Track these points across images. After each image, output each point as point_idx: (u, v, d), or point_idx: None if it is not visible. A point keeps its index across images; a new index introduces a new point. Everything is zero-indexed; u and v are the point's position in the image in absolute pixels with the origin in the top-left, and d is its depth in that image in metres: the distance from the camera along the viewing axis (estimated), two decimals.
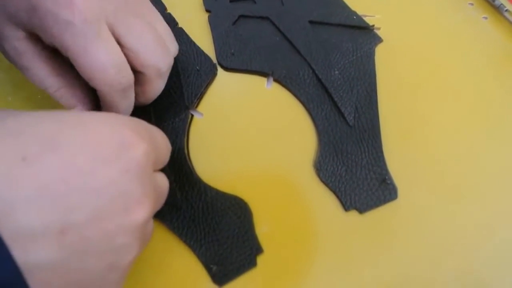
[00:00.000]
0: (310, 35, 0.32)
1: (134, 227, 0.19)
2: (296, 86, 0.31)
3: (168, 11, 0.34)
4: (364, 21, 0.33)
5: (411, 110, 0.30)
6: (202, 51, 0.33)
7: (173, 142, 0.30)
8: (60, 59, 0.27)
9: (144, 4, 0.28)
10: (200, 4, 0.35)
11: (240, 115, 0.31)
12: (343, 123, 0.29)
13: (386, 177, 0.28)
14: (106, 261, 0.19)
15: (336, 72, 0.31)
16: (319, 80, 0.31)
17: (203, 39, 0.33)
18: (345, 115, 0.29)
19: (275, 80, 0.32)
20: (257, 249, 0.27)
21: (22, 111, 0.20)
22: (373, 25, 0.33)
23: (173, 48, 0.29)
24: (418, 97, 0.31)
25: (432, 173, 0.28)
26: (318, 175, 0.28)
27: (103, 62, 0.24)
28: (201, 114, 0.31)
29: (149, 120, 0.30)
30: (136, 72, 0.27)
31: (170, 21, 0.34)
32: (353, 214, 0.27)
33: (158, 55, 0.27)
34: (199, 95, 0.31)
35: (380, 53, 0.32)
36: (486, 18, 0.34)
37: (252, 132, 0.30)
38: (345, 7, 0.34)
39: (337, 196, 0.28)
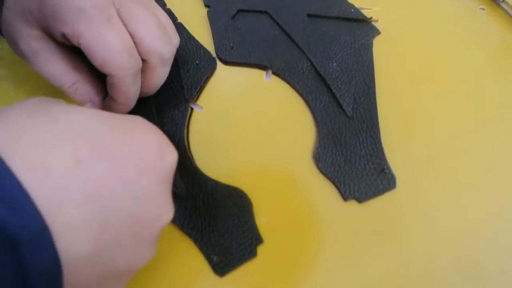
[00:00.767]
0: (308, 28, 0.33)
1: (159, 231, 0.21)
2: (295, 78, 0.31)
3: (167, 7, 0.35)
4: (362, 14, 0.33)
5: (409, 100, 0.30)
6: (202, 46, 0.33)
7: (173, 134, 0.30)
8: (73, 56, 0.28)
9: None
10: None
11: (239, 107, 0.31)
12: (342, 114, 0.30)
13: (385, 167, 0.28)
14: (129, 263, 0.20)
15: (334, 64, 0.31)
16: (317, 72, 0.31)
17: (202, 33, 0.34)
18: (344, 106, 0.30)
19: (274, 73, 0.32)
20: (257, 239, 0.27)
21: (71, 106, 0.21)
22: (371, 18, 0.33)
23: (175, 38, 0.29)
24: (416, 88, 0.31)
25: (430, 163, 0.28)
26: (317, 165, 0.28)
27: (117, 46, 0.25)
28: (201, 107, 0.31)
29: (149, 112, 0.31)
30: None
31: (170, 16, 0.34)
32: (352, 204, 0.28)
33: (162, 42, 0.27)
34: (198, 88, 0.32)
35: (378, 45, 0.32)
36: (483, 9, 0.34)
37: (252, 124, 0.30)
38: (343, 0, 0.34)
39: (336, 186, 0.28)
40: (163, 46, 0.27)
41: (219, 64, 0.33)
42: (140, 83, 0.28)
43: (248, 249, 0.27)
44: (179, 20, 0.34)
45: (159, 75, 0.29)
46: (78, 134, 0.19)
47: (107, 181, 0.19)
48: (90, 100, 0.29)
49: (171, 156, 0.22)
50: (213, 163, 0.30)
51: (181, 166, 0.29)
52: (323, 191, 0.28)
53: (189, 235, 0.27)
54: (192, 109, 0.31)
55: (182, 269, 0.27)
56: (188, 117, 0.31)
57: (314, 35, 0.32)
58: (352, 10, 0.33)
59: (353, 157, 0.28)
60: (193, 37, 0.33)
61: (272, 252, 0.27)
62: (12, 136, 0.18)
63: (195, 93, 0.32)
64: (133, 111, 0.29)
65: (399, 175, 0.28)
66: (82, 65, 0.28)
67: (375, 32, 0.32)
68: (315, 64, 0.31)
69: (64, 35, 0.25)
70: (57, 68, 0.27)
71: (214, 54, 0.33)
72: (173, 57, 0.29)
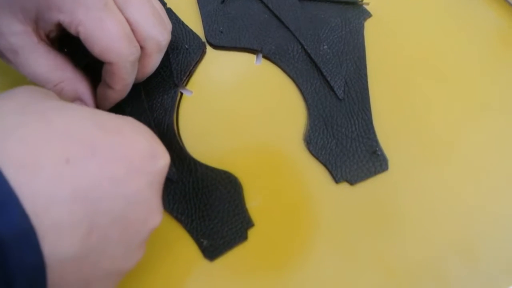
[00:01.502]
0: (298, 11, 0.32)
1: (148, 234, 0.21)
2: (285, 61, 0.31)
3: None
4: None
5: (401, 83, 0.30)
6: (191, 30, 0.32)
7: (162, 119, 0.30)
8: (56, 54, 0.27)
9: None
10: None
11: (229, 91, 0.31)
12: (333, 96, 0.29)
13: (377, 149, 0.28)
14: (115, 265, 0.20)
15: (325, 46, 0.31)
16: (308, 55, 0.31)
17: (192, 18, 0.33)
18: (335, 88, 0.29)
19: (264, 57, 0.31)
20: (248, 223, 0.27)
21: (63, 103, 0.21)
22: (362, 0, 0.33)
23: (169, 24, 0.29)
24: (408, 70, 0.30)
25: (422, 144, 0.28)
26: (308, 148, 0.28)
27: (118, 33, 0.24)
28: (191, 91, 0.31)
29: (139, 97, 0.30)
30: None
31: (159, 1, 0.34)
32: (344, 186, 0.27)
33: (158, 29, 0.27)
34: (188, 73, 0.31)
35: (369, 27, 0.32)
36: None
37: (242, 108, 0.30)
38: None
39: (328, 169, 0.28)
40: (160, 33, 0.27)
41: (209, 49, 0.32)
42: (136, 70, 0.28)
43: (239, 233, 0.26)
44: (168, 5, 0.34)
45: (154, 62, 0.29)
46: (69, 133, 0.19)
47: (97, 182, 0.19)
48: (78, 98, 0.28)
49: (163, 159, 0.22)
50: (203, 147, 0.29)
51: (171, 151, 0.29)
52: (314, 174, 0.28)
53: (178, 219, 0.27)
54: (181, 93, 0.31)
55: (172, 253, 0.27)
56: (177, 102, 0.31)
57: (304, 18, 0.32)
58: None
59: (345, 140, 0.28)
60: (182, 21, 0.33)
61: (263, 236, 0.26)
62: (1, 133, 0.18)
63: (185, 78, 0.31)
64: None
65: (391, 157, 0.28)
66: (66, 63, 0.27)
67: (366, 14, 0.32)
68: (306, 47, 0.31)
69: (58, 24, 0.25)
70: (40, 66, 0.26)
71: (203, 39, 0.32)
72: (168, 42, 0.28)
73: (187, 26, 0.33)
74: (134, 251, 0.21)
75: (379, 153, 0.27)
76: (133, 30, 0.26)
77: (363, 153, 0.28)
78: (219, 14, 0.33)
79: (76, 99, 0.28)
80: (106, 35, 0.24)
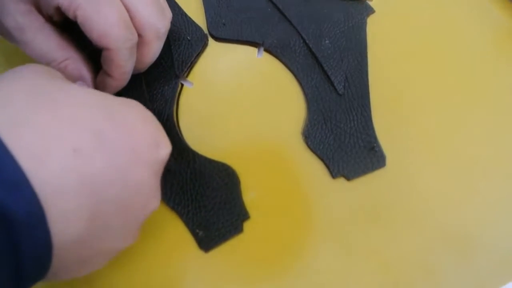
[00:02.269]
0: (301, 5, 0.32)
1: (144, 219, 0.22)
2: (287, 55, 0.31)
3: None
4: None
5: (401, 80, 0.30)
6: (193, 22, 0.32)
7: (162, 110, 0.30)
8: (61, 33, 0.27)
9: None
10: None
11: (230, 84, 0.31)
12: (333, 92, 0.29)
13: (375, 145, 0.28)
14: (112, 245, 0.21)
15: (327, 41, 0.31)
16: (309, 49, 0.31)
17: (194, 9, 0.33)
18: (335, 84, 0.29)
19: (266, 50, 0.31)
20: (244, 215, 0.27)
21: (71, 86, 0.22)
22: None
23: (169, 13, 0.29)
24: (409, 67, 0.30)
25: (420, 141, 0.28)
26: (306, 142, 0.28)
27: (115, 18, 0.25)
28: (191, 83, 0.31)
29: (140, 88, 0.30)
30: None
31: None
32: (341, 181, 0.27)
33: (157, 16, 0.27)
34: (189, 64, 0.31)
35: (372, 23, 0.32)
36: None
37: (242, 100, 0.30)
38: None
39: (325, 164, 0.28)
40: (158, 20, 0.27)
41: (211, 41, 0.32)
42: (135, 58, 0.28)
43: (235, 225, 0.26)
44: None
45: (154, 50, 0.28)
46: (78, 121, 0.20)
47: (102, 171, 0.19)
48: (81, 78, 0.28)
49: (166, 148, 0.22)
50: (202, 139, 0.29)
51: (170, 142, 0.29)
52: (311, 168, 0.28)
53: (175, 209, 0.27)
54: (182, 85, 0.31)
55: (167, 243, 0.27)
56: (178, 93, 0.31)
57: (307, 13, 0.32)
58: None
59: (343, 135, 0.28)
60: (185, 13, 0.33)
61: (259, 228, 0.27)
62: (13, 120, 0.19)
63: (186, 69, 0.31)
64: (124, 87, 0.29)
65: (389, 154, 0.28)
66: (70, 43, 0.27)
67: (369, 10, 0.32)
68: (307, 42, 0.31)
69: (58, 8, 0.25)
70: (46, 44, 0.26)
71: (206, 31, 0.32)
72: (168, 30, 0.28)
73: (189, 17, 0.33)
74: (131, 234, 0.22)
75: (377, 149, 0.27)
76: (131, 17, 0.26)
77: (361, 149, 0.28)
78: (222, 6, 0.33)
79: (78, 79, 0.28)
80: (104, 20, 0.24)
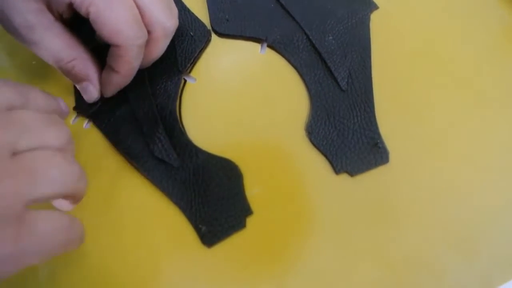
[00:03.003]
0: (305, 1, 0.32)
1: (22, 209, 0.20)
2: (290, 51, 0.31)
3: None
4: None
5: (405, 76, 0.30)
6: (196, 17, 0.33)
7: (165, 105, 0.30)
8: (69, 33, 0.27)
9: None
10: None
11: (233, 80, 0.31)
12: (336, 87, 0.29)
13: (378, 141, 0.28)
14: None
15: (330, 37, 0.31)
16: (313, 45, 0.31)
17: (198, 5, 0.33)
18: (338, 80, 0.29)
19: (269, 46, 0.31)
20: (247, 211, 0.27)
21: None
22: None
23: (175, 10, 0.29)
24: (412, 64, 0.30)
25: (423, 138, 0.28)
26: (310, 138, 0.28)
27: (127, 16, 0.25)
28: (194, 79, 0.31)
29: (143, 83, 0.30)
30: None
31: None
32: (344, 177, 0.27)
33: (166, 14, 0.27)
34: (192, 60, 0.31)
35: (376, 20, 0.32)
36: None
37: (245, 96, 0.30)
38: None
39: (328, 160, 0.28)
40: (167, 18, 0.27)
41: (214, 37, 0.32)
42: (143, 55, 0.28)
43: (238, 220, 0.26)
44: None
45: (160, 48, 0.29)
46: None
47: None
48: (87, 78, 0.28)
49: None
50: (205, 134, 0.29)
51: (173, 138, 0.29)
52: (315, 164, 0.28)
53: (178, 205, 0.27)
54: (185, 80, 0.31)
55: (171, 238, 0.27)
56: (181, 89, 0.31)
57: (310, 9, 0.32)
58: None
59: (346, 131, 0.28)
60: (188, 9, 0.33)
61: (262, 224, 0.27)
62: None
63: (189, 65, 0.31)
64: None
65: (392, 150, 0.27)
66: (79, 43, 0.28)
67: (373, 6, 0.32)
68: (311, 37, 0.31)
69: (70, 5, 0.25)
70: (54, 43, 0.27)
71: (209, 26, 0.32)
72: (176, 28, 0.29)
73: (193, 13, 0.33)
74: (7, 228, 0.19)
75: (380, 145, 0.27)
76: (141, 15, 0.26)
77: (364, 145, 0.28)
78: (225, 2, 0.33)
79: (83, 80, 0.28)
80: (116, 17, 0.25)
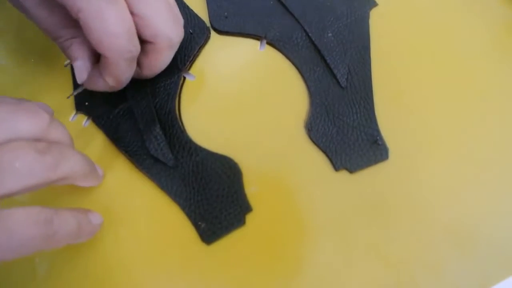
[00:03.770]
0: None
1: None
2: (289, 48, 0.31)
3: None
4: None
5: (404, 73, 0.30)
6: (196, 14, 0.32)
7: (164, 103, 0.30)
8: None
9: None
10: None
11: (232, 77, 0.31)
12: (336, 84, 0.29)
13: (378, 138, 0.27)
14: None
15: (330, 34, 0.30)
16: (312, 42, 0.30)
17: (197, 2, 0.33)
18: (338, 77, 0.29)
19: (268, 43, 0.31)
20: (246, 208, 0.27)
21: None
22: None
23: (181, 18, 0.28)
24: (412, 61, 0.30)
25: (423, 135, 0.28)
26: (309, 135, 0.28)
27: (116, 28, 0.24)
28: (194, 76, 0.31)
29: (142, 81, 0.30)
30: (143, 42, 0.26)
31: None
32: (343, 174, 0.27)
33: (171, 26, 0.26)
34: (191, 57, 0.31)
35: (375, 17, 0.32)
36: None
37: (244, 93, 0.30)
38: None
39: (328, 156, 0.27)
40: (172, 30, 0.26)
41: (213, 34, 0.32)
42: (134, 69, 0.27)
43: (237, 218, 0.26)
44: None
45: (165, 59, 0.28)
46: None
47: None
48: (81, 58, 0.28)
49: None
50: (204, 132, 0.29)
51: (171, 135, 0.29)
52: (314, 161, 0.28)
53: (177, 202, 0.27)
54: (184, 78, 0.31)
55: (170, 236, 0.27)
56: (180, 86, 0.31)
57: (310, 6, 0.32)
58: None
59: (346, 128, 0.28)
60: (187, 5, 0.33)
61: (261, 221, 0.27)
62: None
63: (188, 63, 0.31)
64: None
65: (392, 146, 0.27)
66: (80, 27, 0.28)
67: (372, 3, 0.32)
68: (310, 34, 0.31)
69: (63, 5, 0.25)
70: (57, 21, 0.27)
71: (208, 23, 0.32)
72: (181, 38, 0.28)
73: (191, 10, 0.33)
74: None
75: (379, 142, 0.27)
76: (144, 26, 0.25)
77: (364, 142, 0.27)
78: None
79: (77, 59, 0.28)
80: (104, 27, 0.24)
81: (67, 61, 0.33)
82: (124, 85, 0.28)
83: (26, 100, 0.24)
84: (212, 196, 0.27)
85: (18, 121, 0.21)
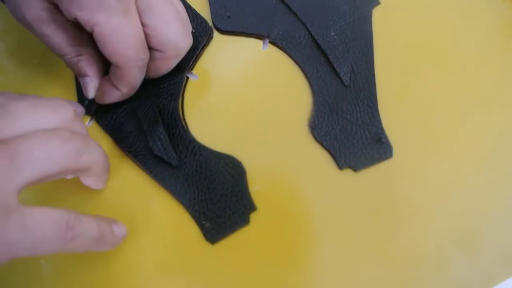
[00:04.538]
0: None
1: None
2: (292, 47, 0.31)
3: None
4: None
5: (407, 71, 0.30)
6: (198, 14, 0.32)
7: (167, 103, 0.30)
8: (79, 30, 0.27)
9: None
10: None
11: (235, 76, 0.31)
12: (339, 83, 0.29)
13: (382, 136, 0.27)
14: None
15: (333, 33, 0.30)
16: (315, 41, 0.30)
17: (199, 2, 0.33)
18: (341, 75, 0.29)
19: (271, 42, 0.31)
20: (251, 207, 0.27)
21: None
22: None
23: (190, 26, 0.29)
24: (415, 59, 0.30)
25: (427, 132, 0.28)
26: (313, 134, 0.28)
27: (132, 40, 0.25)
28: (197, 76, 0.31)
29: (145, 82, 0.30)
30: (151, 48, 0.27)
31: None
32: (348, 173, 0.27)
33: (179, 35, 0.27)
34: (194, 57, 0.31)
35: (378, 15, 0.32)
36: None
37: (248, 92, 0.30)
38: None
39: (332, 155, 0.27)
40: (181, 40, 0.27)
41: (216, 33, 0.32)
42: (144, 73, 0.28)
43: (241, 217, 0.26)
44: None
45: (171, 65, 0.29)
46: None
47: None
48: (89, 75, 0.28)
49: None
50: (207, 131, 0.29)
51: (175, 135, 0.29)
52: (318, 159, 0.28)
53: (181, 202, 0.27)
54: (187, 78, 0.31)
55: (174, 235, 0.27)
56: (183, 86, 0.31)
57: (312, 4, 0.32)
58: None
59: (350, 126, 0.28)
60: (190, 5, 0.33)
61: (266, 220, 0.26)
62: None
63: (191, 62, 0.31)
64: None
65: (396, 144, 0.27)
66: (87, 41, 0.28)
67: (375, 2, 0.32)
68: (313, 33, 0.30)
69: (75, 19, 0.25)
70: (64, 38, 0.27)
71: (211, 23, 0.32)
72: (189, 47, 0.28)
73: (194, 10, 0.33)
74: None
75: (383, 140, 0.27)
76: (153, 35, 0.26)
77: (368, 140, 0.27)
78: None
79: (85, 75, 0.28)
80: (120, 41, 0.24)
81: None
82: (136, 89, 0.28)
83: (56, 98, 0.24)
84: (216, 195, 0.27)
85: (38, 114, 0.22)
